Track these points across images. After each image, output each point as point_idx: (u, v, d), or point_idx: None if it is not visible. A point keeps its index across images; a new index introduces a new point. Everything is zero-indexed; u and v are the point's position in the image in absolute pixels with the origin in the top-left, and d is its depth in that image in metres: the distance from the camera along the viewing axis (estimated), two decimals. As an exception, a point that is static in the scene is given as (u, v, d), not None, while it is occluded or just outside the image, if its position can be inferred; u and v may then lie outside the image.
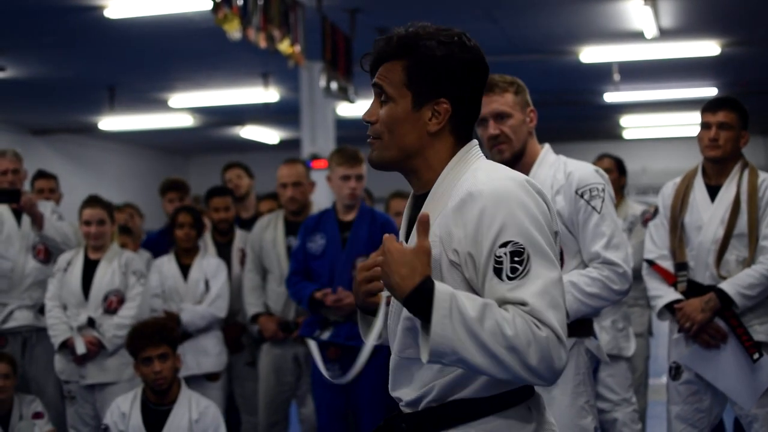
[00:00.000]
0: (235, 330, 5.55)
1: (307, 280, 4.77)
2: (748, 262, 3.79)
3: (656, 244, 4.04)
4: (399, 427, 2.00)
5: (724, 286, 3.76)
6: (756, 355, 3.72)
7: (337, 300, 4.56)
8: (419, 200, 2.03)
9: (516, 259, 1.80)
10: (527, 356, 1.74)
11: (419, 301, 1.78)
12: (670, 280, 3.94)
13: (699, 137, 3.96)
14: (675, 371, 3.94)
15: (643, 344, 5.81)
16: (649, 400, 6.02)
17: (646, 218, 5.57)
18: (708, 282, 3.85)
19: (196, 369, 5.10)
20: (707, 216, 3.88)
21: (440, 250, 1.89)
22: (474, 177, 1.91)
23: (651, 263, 4.01)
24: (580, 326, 3.13)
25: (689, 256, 3.92)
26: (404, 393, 2.00)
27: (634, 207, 5.99)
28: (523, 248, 1.81)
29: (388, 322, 2.04)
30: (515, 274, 1.80)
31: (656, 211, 4.13)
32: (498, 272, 1.81)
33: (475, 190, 1.86)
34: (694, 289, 3.87)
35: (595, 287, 3.07)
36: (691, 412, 3.89)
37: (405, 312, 1.93)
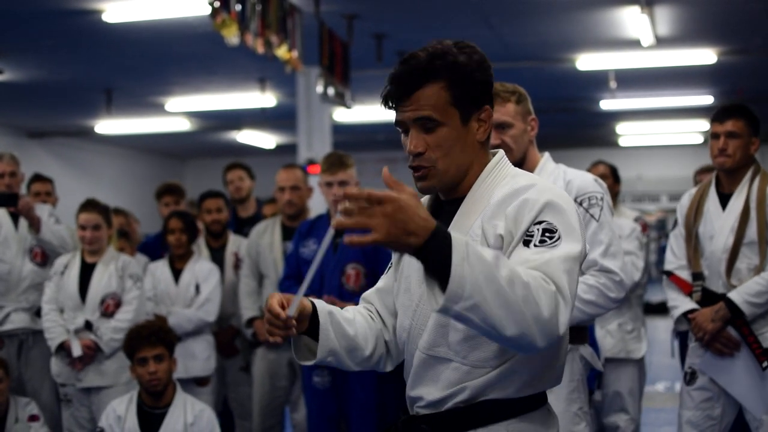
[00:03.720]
0: (229, 334, 5.55)
1: (299, 285, 4.75)
2: (759, 269, 3.78)
3: (676, 254, 4.05)
4: (419, 429, 1.97)
5: (732, 295, 3.77)
6: (765, 363, 3.72)
7: None
8: (447, 205, 2.03)
9: (547, 234, 1.82)
10: (541, 307, 1.67)
11: (437, 245, 1.64)
12: (687, 289, 3.96)
13: (710, 147, 3.97)
14: (690, 376, 3.93)
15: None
16: (643, 407, 6.02)
17: (641, 224, 5.58)
18: (721, 290, 3.85)
19: (183, 373, 5.05)
20: (718, 225, 3.88)
21: (482, 242, 1.90)
22: (516, 181, 1.96)
23: (669, 274, 4.03)
24: (576, 333, 3.14)
25: (703, 265, 3.93)
26: (427, 392, 1.97)
27: (627, 213, 6.01)
28: (556, 228, 1.83)
29: (411, 321, 2.01)
30: (542, 244, 1.80)
31: (676, 222, 4.14)
32: (526, 243, 1.82)
33: (520, 187, 1.91)
34: (709, 298, 3.88)
35: (592, 294, 3.09)
36: (702, 419, 3.87)
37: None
